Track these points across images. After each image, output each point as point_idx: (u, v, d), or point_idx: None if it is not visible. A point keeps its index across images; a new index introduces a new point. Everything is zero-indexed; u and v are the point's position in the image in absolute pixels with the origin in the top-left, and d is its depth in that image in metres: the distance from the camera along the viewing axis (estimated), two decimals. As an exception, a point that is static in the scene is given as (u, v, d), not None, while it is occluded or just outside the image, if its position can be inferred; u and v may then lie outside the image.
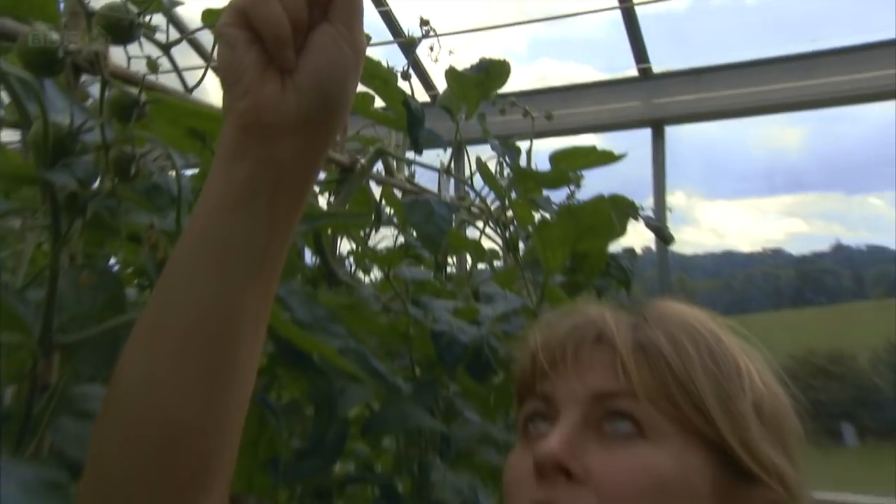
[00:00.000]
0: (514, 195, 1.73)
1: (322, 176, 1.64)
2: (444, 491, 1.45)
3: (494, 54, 1.66)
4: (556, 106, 2.84)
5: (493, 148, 1.63)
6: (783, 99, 3.74)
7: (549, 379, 0.76)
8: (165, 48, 0.99)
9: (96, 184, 0.77)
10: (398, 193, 1.80)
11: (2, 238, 0.95)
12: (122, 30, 0.76)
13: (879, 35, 3.63)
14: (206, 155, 1.00)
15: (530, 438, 0.76)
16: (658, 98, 3.93)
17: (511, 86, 1.77)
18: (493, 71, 1.54)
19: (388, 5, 3.45)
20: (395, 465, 1.70)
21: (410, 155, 1.81)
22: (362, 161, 1.58)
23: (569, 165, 1.70)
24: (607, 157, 1.80)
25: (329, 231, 1.54)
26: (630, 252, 2.11)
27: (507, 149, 1.62)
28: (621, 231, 2.05)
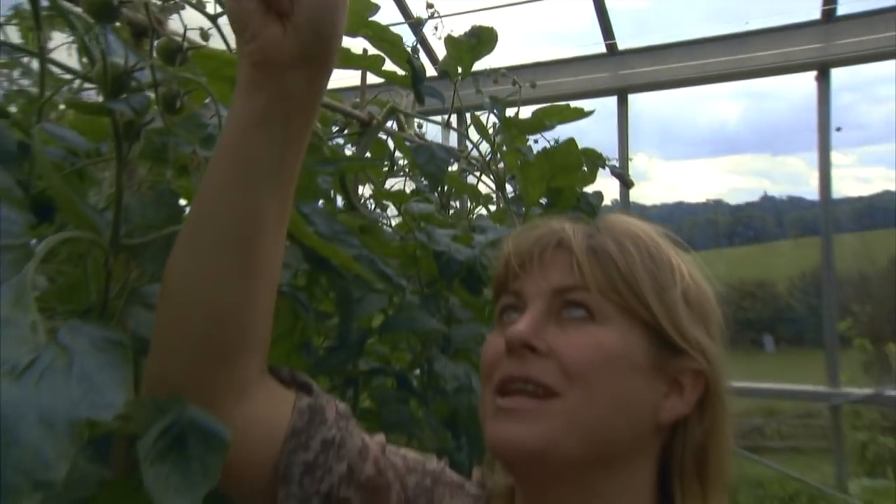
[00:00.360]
0: (504, 149, 1.72)
1: (345, 130, 1.63)
2: (445, 379, 1.46)
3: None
4: (540, 78, 2.79)
5: (484, 105, 1.61)
6: (721, 70, 3.69)
7: (519, 278, 0.75)
8: (213, 18, 0.98)
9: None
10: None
11: (91, 182, 0.95)
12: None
13: (798, 18, 3.60)
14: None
15: (503, 326, 0.76)
16: (622, 70, 3.87)
17: (504, 62, 1.75)
18: (483, 36, 1.51)
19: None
20: (410, 362, 1.72)
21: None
22: (378, 117, 1.57)
23: (548, 118, 1.67)
24: (578, 113, 1.79)
25: (353, 177, 1.53)
26: (597, 193, 2.09)
27: (495, 103, 1.60)
28: (591, 178, 2.04)
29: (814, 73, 3.56)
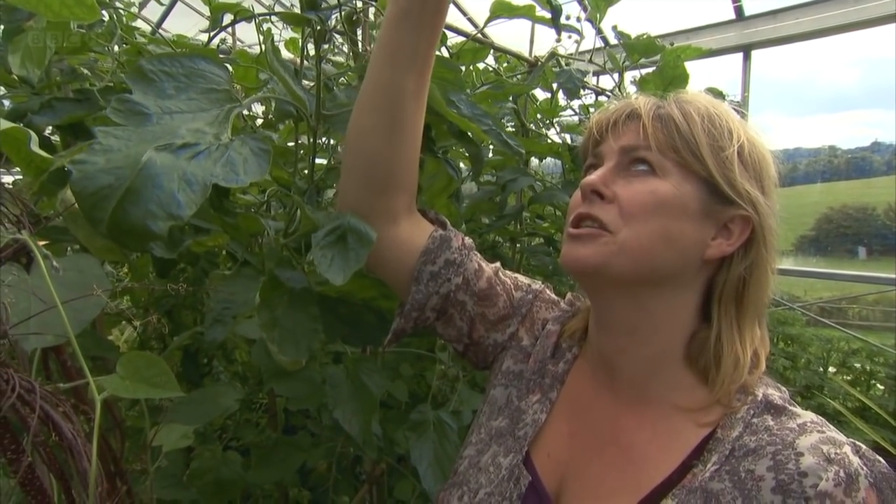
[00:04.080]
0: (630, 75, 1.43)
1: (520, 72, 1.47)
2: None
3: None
4: (680, 41, 2.34)
5: (615, 36, 1.34)
6: (833, 24, 2.86)
7: (599, 143, 0.61)
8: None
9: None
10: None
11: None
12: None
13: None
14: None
15: None
16: (747, 30, 3.13)
17: (651, 31, 1.45)
18: (610, -11, 1.24)
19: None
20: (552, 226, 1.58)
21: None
22: (542, 60, 1.40)
23: (674, 54, 1.35)
24: (697, 51, 1.43)
25: (524, 104, 1.38)
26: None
27: (623, 36, 1.33)
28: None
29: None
